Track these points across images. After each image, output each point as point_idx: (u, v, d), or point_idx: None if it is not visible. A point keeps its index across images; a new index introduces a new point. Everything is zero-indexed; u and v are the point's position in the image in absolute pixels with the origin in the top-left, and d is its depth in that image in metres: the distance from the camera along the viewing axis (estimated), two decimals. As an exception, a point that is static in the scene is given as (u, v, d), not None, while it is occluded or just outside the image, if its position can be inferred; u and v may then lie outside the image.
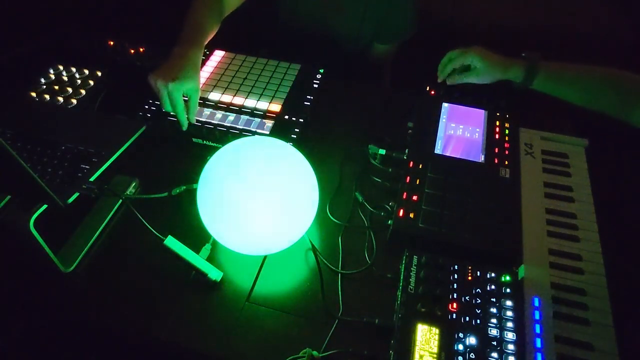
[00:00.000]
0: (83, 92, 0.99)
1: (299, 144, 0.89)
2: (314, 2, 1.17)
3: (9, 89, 0.99)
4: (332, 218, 0.83)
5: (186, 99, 0.88)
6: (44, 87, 0.99)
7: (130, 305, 0.72)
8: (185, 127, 0.89)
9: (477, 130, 0.91)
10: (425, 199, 0.79)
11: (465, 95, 0.96)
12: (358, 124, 1.00)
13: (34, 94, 0.97)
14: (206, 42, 0.96)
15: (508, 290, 0.68)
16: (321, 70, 1.05)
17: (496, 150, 0.87)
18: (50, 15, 1.33)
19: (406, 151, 0.87)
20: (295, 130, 0.91)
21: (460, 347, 0.62)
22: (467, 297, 0.67)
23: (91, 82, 1.01)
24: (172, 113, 0.89)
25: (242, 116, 0.94)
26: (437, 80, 0.99)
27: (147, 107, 0.95)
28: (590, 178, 0.84)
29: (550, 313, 0.66)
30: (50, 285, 0.73)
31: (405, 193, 0.80)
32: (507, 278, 0.69)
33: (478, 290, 0.68)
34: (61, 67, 1.04)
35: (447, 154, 0.87)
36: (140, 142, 0.84)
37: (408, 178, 0.82)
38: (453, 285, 0.68)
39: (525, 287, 0.68)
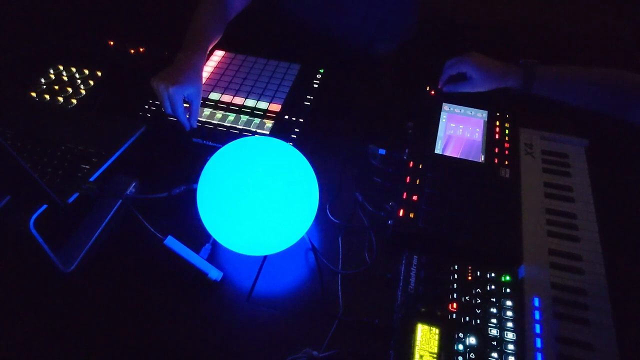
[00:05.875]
0: (83, 92, 0.99)
1: (299, 144, 0.89)
2: (315, 2, 1.17)
3: (9, 89, 0.99)
4: (332, 218, 0.83)
5: (187, 105, 0.88)
6: (44, 87, 0.99)
7: (130, 305, 0.72)
8: (187, 129, 0.89)
9: (477, 130, 0.91)
10: (425, 199, 0.79)
11: (465, 95, 0.96)
12: (358, 124, 1.00)
13: (34, 94, 0.97)
14: (210, 48, 0.96)
15: (508, 290, 0.68)
16: (321, 70, 1.05)
17: (496, 150, 0.87)
18: (51, 15, 1.34)
19: (406, 151, 0.87)
20: (295, 130, 0.91)
21: (460, 347, 0.62)
22: (467, 297, 0.67)
23: (91, 82, 1.01)
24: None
25: (242, 116, 0.94)
26: (438, 82, 0.99)
27: (147, 107, 0.95)
28: (590, 178, 0.84)
29: (550, 313, 0.66)
30: (50, 285, 0.73)
31: (405, 193, 0.80)
32: (507, 278, 0.69)
33: (478, 290, 0.68)
34: (61, 67, 1.04)
35: (447, 154, 0.87)
36: (140, 142, 0.84)
37: (408, 178, 0.82)
38: (453, 285, 0.68)
39: (525, 287, 0.68)
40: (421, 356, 0.61)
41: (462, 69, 0.93)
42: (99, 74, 1.03)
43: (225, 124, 0.92)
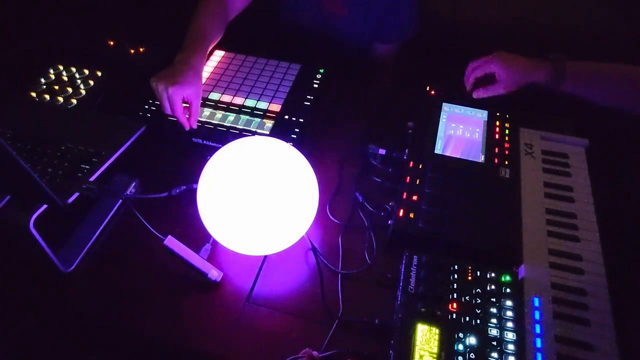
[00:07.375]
0: (83, 92, 0.99)
1: (299, 144, 0.89)
2: (315, 2, 1.17)
3: (9, 89, 0.99)
4: (332, 218, 0.83)
5: (187, 105, 0.88)
6: (44, 87, 0.99)
7: (130, 305, 0.72)
8: (187, 129, 0.89)
9: (477, 130, 0.91)
10: (425, 199, 0.79)
11: (466, 95, 0.96)
12: (358, 124, 1.00)
13: (34, 94, 0.97)
14: (210, 49, 0.96)
15: (508, 290, 0.68)
16: (321, 70, 1.05)
17: (496, 150, 0.87)
18: (50, 15, 1.33)
19: (406, 151, 0.87)
20: (295, 130, 0.91)
21: (460, 347, 0.62)
22: (467, 297, 0.67)
23: (91, 82, 1.01)
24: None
25: (242, 116, 0.94)
26: (467, 89, 0.96)
27: (147, 107, 0.95)
28: (590, 178, 0.84)
29: (550, 313, 0.66)
30: (50, 285, 0.73)
31: (405, 193, 0.80)
32: (507, 278, 0.69)
33: (478, 290, 0.68)
34: (61, 67, 1.04)
35: (447, 154, 0.87)
36: (140, 142, 0.84)
37: (408, 178, 0.82)
38: (453, 285, 0.68)
39: (525, 287, 0.68)
40: (421, 356, 0.61)
41: (489, 70, 0.91)
42: (99, 74, 1.03)
43: (225, 124, 0.92)
